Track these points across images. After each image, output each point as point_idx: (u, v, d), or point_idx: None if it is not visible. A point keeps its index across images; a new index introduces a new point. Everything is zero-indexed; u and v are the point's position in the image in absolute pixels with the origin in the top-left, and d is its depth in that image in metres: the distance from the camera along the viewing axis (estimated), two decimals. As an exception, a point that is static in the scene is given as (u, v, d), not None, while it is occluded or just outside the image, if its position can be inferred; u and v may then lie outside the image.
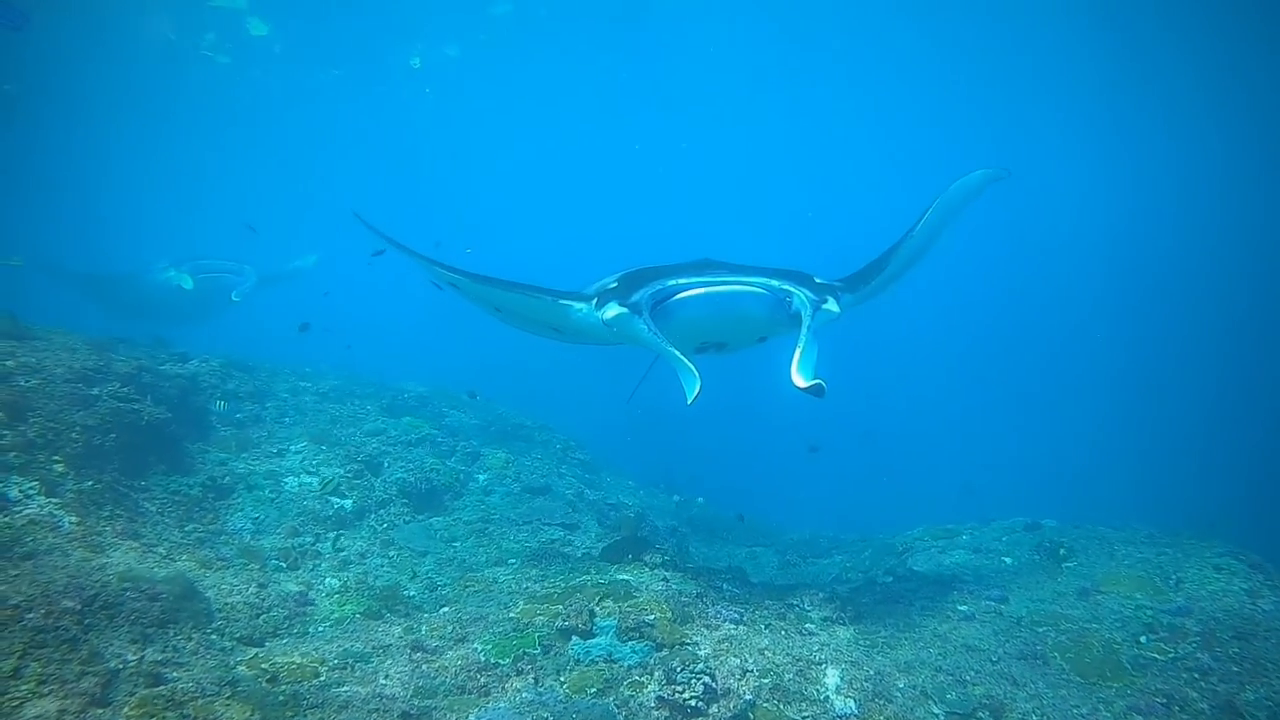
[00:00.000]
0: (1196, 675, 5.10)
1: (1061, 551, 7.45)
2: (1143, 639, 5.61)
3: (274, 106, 25.62)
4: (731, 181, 37.65)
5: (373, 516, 7.37)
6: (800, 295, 4.79)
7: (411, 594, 6.08)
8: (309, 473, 7.64)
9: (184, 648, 4.45)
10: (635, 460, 14.84)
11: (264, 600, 5.36)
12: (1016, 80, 24.05)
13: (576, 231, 44.23)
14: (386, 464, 8.26)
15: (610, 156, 35.00)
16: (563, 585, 5.70)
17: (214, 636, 4.73)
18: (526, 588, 5.84)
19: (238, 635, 4.86)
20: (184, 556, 5.60)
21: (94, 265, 17.27)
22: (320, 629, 5.27)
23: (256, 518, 6.69)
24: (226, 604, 5.12)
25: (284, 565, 6.14)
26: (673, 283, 4.75)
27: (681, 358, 4.48)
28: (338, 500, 7.30)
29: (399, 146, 31.40)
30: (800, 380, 4.31)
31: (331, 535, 6.86)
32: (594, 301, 5.13)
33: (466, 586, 6.13)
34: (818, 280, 5.12)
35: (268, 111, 26.01)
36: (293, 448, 8.17)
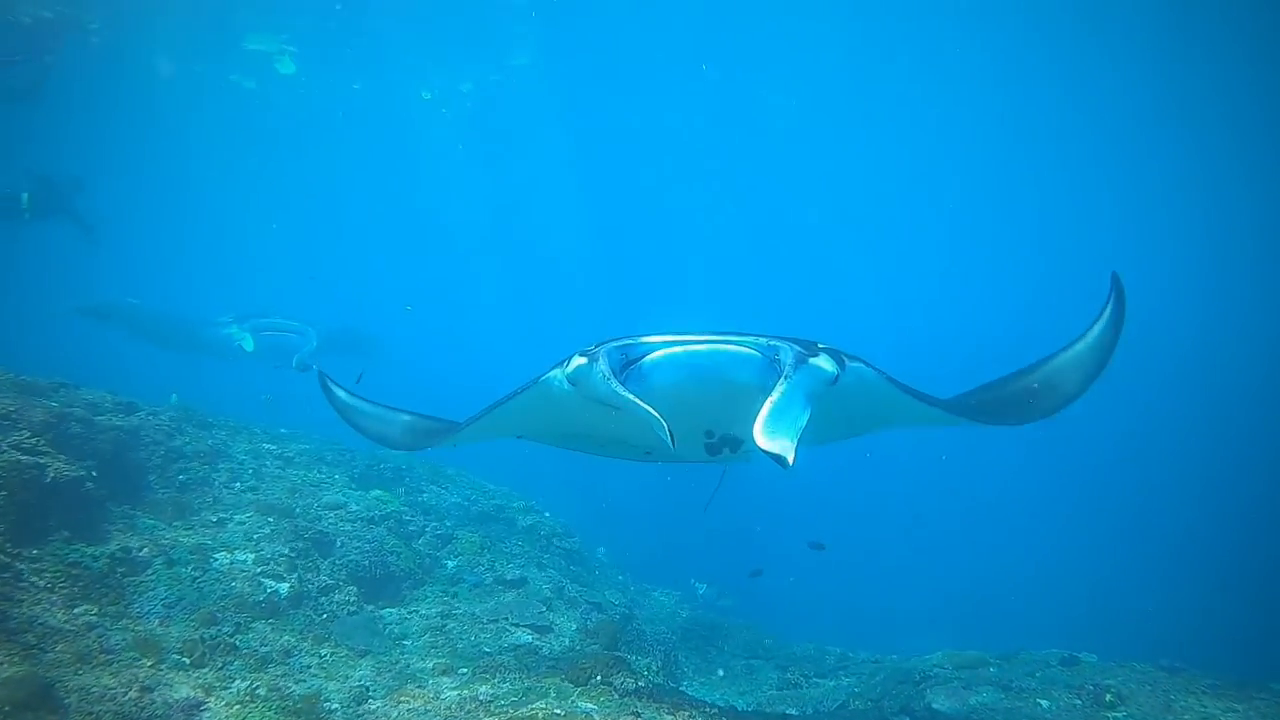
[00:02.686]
0: None
1: (1109, 698, 6.39)
2: (1218, 826, 4.55)
3: (295, 131, 25.74)
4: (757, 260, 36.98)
5: (310, 605, 6.39)
6: (787, 349, 3.95)
7: (334, 707, 5.08)
8: (246, 549, 6.70)
9: (6, 777, 3.49)
10: (637, 547, 13.80)
11: (143, 709, 4.39)
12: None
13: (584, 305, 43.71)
14: (340, 543, 7.30)
15: (624, 226, 34.61)
16: (511, 711, 4.70)
17: (57, 760, 3.77)
18: (469, 710, 4.84)
19: (90, 759, 3.89)
20: (59, 646, 4.64)
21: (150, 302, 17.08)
22: (205, 751, 4.29)
23: (170, 600, 5.72)
24: (90, 714, 4.16)
25: (187, 661, 5.15)
26: (646, 340, 3.92)
27: (638, 402, 3.67)
28: (272, 583, 6.34)
29: (408, 181, 31.32)
30: (763, 438, 3.35)
31: (258, 626, 5.89)
32: (565, 365, 4.34)
33: (401, 701, 5.12)
34: (820, 345, 4.28)
35: (290, 136, 26.11)
36: (236, 518, 7.24)
